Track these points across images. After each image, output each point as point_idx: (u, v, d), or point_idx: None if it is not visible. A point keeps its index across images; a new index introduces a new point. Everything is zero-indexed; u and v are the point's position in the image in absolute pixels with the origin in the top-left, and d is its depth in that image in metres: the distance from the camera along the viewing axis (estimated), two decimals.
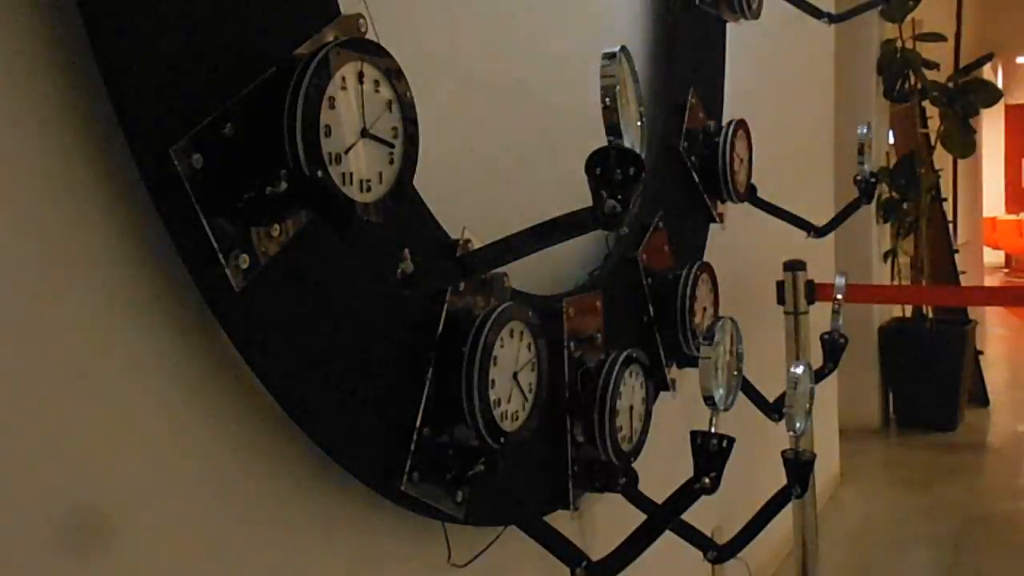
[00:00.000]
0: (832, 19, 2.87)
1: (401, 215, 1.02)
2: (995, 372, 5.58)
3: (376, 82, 0.90)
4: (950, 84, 4.76)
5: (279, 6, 0.91)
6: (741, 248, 2.42)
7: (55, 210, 0.77)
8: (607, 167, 0.92)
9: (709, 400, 1.31)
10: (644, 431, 1.53)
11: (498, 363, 1.13)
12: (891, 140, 4.92)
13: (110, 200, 0.81)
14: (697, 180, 1.99)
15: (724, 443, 1.26)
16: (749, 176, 2.13)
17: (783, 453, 1.56)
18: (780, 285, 2.50)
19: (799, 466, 1.54)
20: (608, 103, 0.96)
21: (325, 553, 1.06)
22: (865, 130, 2.15)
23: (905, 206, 4.67)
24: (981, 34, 6.81)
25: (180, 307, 0.87)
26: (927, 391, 4.55)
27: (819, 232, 2.38)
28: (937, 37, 4.56)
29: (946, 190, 5.36)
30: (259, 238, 0.87)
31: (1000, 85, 7.90)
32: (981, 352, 5.09)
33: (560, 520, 1.40)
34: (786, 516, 2.34)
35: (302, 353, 0.95)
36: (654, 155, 1.84)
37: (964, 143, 4.74)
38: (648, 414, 1.54)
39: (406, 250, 1.05)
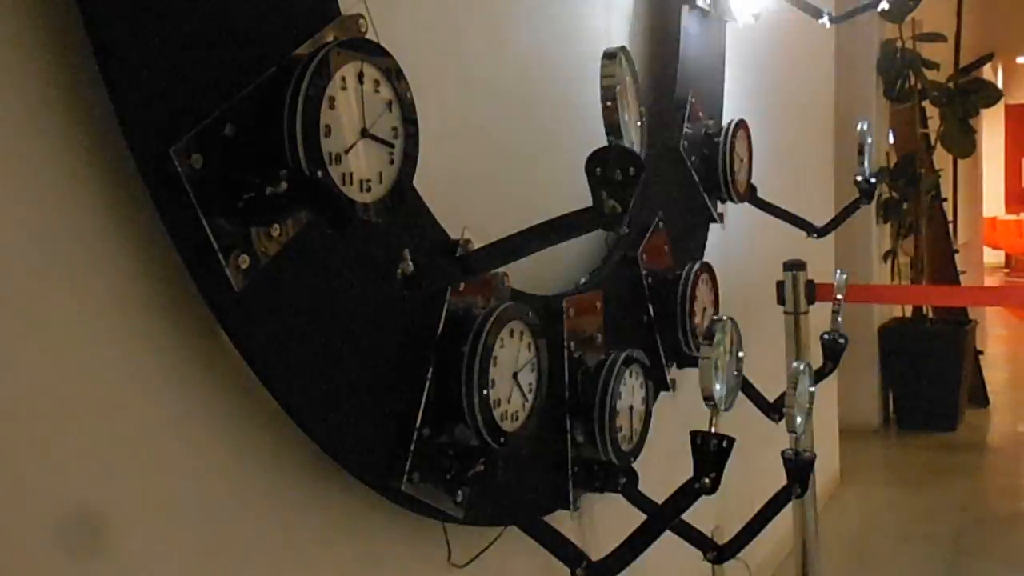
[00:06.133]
0: (832, 19, 2.88)
1: (401, 215, 1.01)
2: (995, 372, 5.58)
3: (376, 82, 0.90)
4: (950, 84, 4.76)
5: (279, 6, 0.91)
6: (741, 248, 2.42)
7: (55, 210, 0.77)
8: (607, 167, 0.92)
9: (709, 400, 1.31)
10: (644, 431, 1.53)
11: (498, 363, 1.13)
12: (891, 140, 4.92)
13: (110, 200, 0.81)
14: (697, 180, 1.99)
15: (724, 443, 1.26)
16: (749, 176, 2.13)
17: (783, 453, 1.56)
18: (780, 285, 2.50)
19: (799, 466, 1.54)
20: (609, 103, 0.97)
21: (325, 553, 1.06)
22: (865, 130, 2.15)
23: (905, 206, 4.68)
24: (981, 34, 6.80)
25: (180, 307, 0.87)
26: (927, 391, 4.55)
27: (819, 232, 2.38)
28: (937, 37, 4.56)
29: (946, 190, 5.35)
30: (259, 238, 0.87)
31: (1000, 85, 7.89)
32: (981, 352, 5.09)
33: (560, 520, 1.40)
34: (786, 516, 2.33)
35: (302, 353, 0.95)
36: (654, 155, 1.84)
37: (964, 143, 4.74)
38: (648, 414, 1.54)
39: (406, 250, 1.05)
